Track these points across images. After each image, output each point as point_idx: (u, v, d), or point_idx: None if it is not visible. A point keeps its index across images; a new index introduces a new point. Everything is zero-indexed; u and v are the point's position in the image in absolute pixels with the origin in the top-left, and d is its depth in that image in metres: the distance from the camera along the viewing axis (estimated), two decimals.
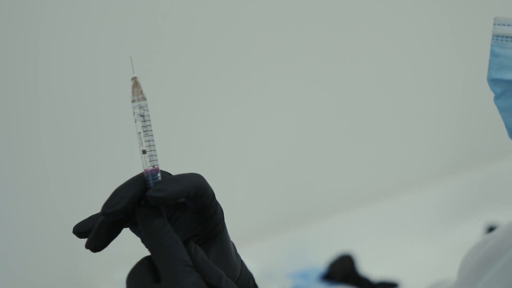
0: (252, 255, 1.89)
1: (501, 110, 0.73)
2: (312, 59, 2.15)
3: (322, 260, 2.11)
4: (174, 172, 0.75)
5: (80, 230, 0.73)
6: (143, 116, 0.71)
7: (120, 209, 0.70)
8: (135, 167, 1.84)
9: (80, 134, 1.77)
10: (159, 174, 0.72)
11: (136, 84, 0.71)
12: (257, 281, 1.84)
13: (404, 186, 2.44)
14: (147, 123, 0.71)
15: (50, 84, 1.73)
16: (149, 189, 0.70)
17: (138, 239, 1.91)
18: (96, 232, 0.73)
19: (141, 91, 0.71)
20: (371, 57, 2.31)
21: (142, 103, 0.71)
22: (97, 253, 1.89)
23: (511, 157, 2.78)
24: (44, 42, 1.70)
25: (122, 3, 1.79)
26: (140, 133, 0.71)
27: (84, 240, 0.74)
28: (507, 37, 0.71)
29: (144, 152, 0.71)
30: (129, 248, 1.85)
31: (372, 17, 2.28)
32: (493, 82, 0.72)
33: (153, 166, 0.72)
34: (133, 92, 0.72)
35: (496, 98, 0.73)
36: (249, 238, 2.03)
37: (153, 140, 0.72)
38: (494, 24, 0.72)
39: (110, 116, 1.81)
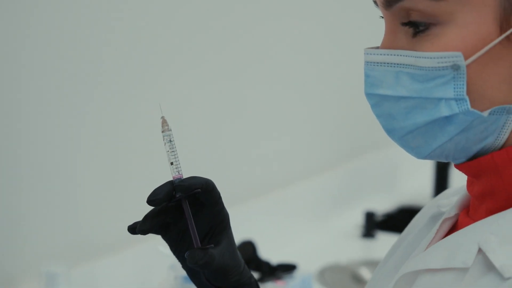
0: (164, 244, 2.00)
1: (377, 116, 0.94)
2: (200, 61, 2.23)
3: None
4: None
5: (133, 226, 1.02)
6: (170, 141, 1.02)
7: (160, 198, 0.99)
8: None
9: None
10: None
11: (164, 121, 1.02)
12: (175, 267, 1.98)
13: (295, 178, 2.58)
14: (173, 144, 1.02)
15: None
16: None
17: (62, 235, 2.00)
18: (144, 220, 1.01)
19: (167, 125, 1.02)
20: (254, 60, 2.42)
21: (169, 132, 1.02)
22: (24, 247, 1.96)
23: (383, 151, 3.00)
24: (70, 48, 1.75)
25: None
26: (168, 151, 1.02)
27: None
28: (374, 62, 0.91)
29: (172, 163, 1.02)
30: (55, 242, 1.96)
31: (254, 21, 2.39)
32: (368, 95, 0.93)
33: (178, 173, 1.02)
34: (162, 126, 1.02)
35: (372, 107, 0.93)
36: None
37: (177, 156, 1.02)
38: (365, 54, 0.92)
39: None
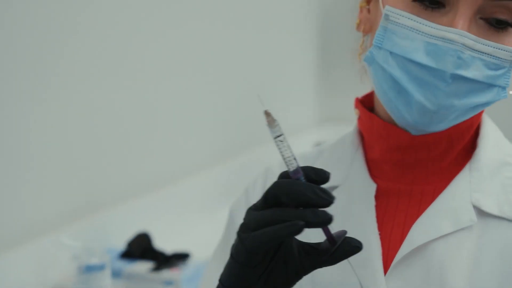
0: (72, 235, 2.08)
1: (444, 92, 1.00)
2: (92, 59, 2.29)
3: (122, 240, 2.28)
4: None
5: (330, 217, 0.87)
6: (282, 134, 0.86)
7: (333, 197, 0.86)
8: None
9: None
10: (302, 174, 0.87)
11: (268, 115, 0.86)
12: (78, 257, 2.05)
13: (186, 173, 2.68)
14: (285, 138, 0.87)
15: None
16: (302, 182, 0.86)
17: (10, 225, 2.03)
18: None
19: (274, 120, 0.86)
20: (143, 58, 2.48)
21: (278, 127, 0.86)
22: None
23: (266, 146, 3.10)
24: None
25: None
26: (287, 146, 0.86)
27: None
28: (404, 25, 1.00)
29: (295, 158, 0.86)
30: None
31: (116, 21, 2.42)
32: (452, 76, 0.99)
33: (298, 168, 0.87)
34: (269, 121, 0.85)
35: (445, 85, 1.00)
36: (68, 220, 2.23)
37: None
38: (468, 38, 0.99)
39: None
